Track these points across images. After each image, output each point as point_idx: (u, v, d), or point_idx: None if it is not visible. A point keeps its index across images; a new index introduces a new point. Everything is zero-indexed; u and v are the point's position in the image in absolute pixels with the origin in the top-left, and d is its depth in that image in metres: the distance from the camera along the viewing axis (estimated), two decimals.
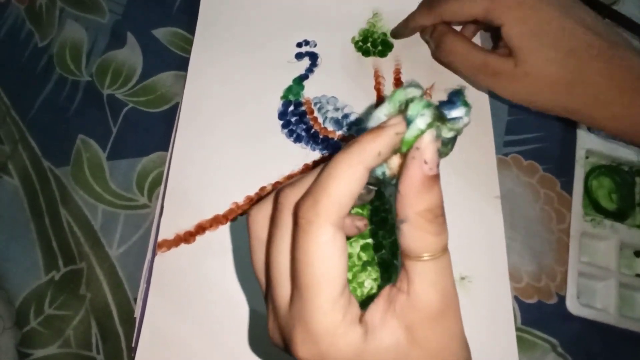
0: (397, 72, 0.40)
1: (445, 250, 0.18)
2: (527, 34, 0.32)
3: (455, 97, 0.19)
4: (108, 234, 0.35)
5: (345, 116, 0.39)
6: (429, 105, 0.18)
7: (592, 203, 0.38)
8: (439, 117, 0.18)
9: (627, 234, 0.37)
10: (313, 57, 0.40)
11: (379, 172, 0.20)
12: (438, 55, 0.38)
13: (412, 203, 0.18)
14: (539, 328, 0.35)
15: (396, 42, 0.41)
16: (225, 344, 0.32)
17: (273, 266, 0.20)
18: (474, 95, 0.40)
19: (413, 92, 0.19)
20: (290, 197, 0.19)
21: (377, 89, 0.40)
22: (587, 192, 0.38)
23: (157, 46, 0.41)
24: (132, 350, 0.32)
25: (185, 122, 0.37)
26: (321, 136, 0.38)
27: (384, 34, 0.42)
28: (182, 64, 0.40)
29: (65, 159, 0.37)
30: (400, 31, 0.40)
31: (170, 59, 0.41)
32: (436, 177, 0.18)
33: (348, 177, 0.18)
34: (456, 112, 0.19)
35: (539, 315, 0.35)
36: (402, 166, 0.18)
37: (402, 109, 0.19)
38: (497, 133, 0.39)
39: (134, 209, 0.36)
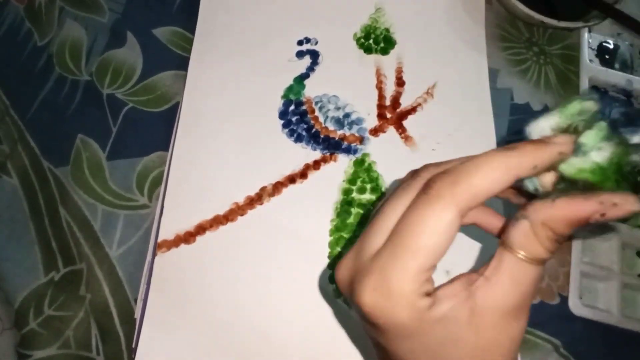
0: (399, 71, 0.40)
1: (542, 263, 0.18)
2: None
3: (637, 119, 0.17)
4: (108, 235, 0.35)
5: (347, 115, 0.38)
6: (608, 136, 0.16)
7: None
8: (621, 152, 0.17)
9: (629, 235, 0.37)
10: (314, 55, 0.40)
11: (531, 186, 0.19)
12: None
13: (553, 217, 0.17)
14: (541, 328, 0.34)
15: (398, 40, 0.41)
16: (226, 345, 0.32)
17: (381, 215, 0.20)
18: (474, 94, 0.40)
19: (590, 107, 0.17)
20: (430, 170, 0.20)
21: (379, 87, 0.40)
22: None
23: (157, 45, 0.41)
24: (132, 351, 0.31)
25: (186, 122, 0.37)
26: (322, 136, 0.38)
27: (387, 30, 0.41)
28: (182, 63, 0.40)
29: (65, 158, 0.37)
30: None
31: (171, 58, 0.41)
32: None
33: (495, 177, 0.18)
34: (638, 138, 0.17)
35: (542, 315, 0.35)
36: (556, 183, 0.18)
37: (574, 126, 0.17)
38: (499, 133, 0.39)
39: (134, 209, 0.36)
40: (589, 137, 0.17)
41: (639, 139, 0.17)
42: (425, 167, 0.21)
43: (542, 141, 0.18)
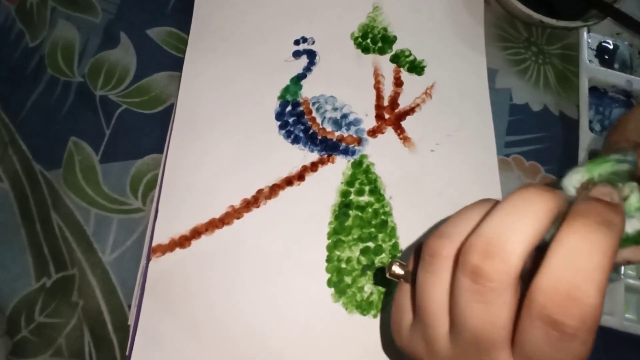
0: (397, 72, 0.40)
1: None
2: None
3: None
4: (101, 239, 0.34)
5: (344, 116, 0.38)
6: None
7: None
8: None
9: None
10: (311, 55, 0.40)
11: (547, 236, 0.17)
12: None
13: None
14: None
15: (396, 39, 0.41)
16: (222, 351, 0.31)
17: (432, 309, 0.20)
18: (473, 94, 0.39)
19: (623, 167, 0.16)
20: (448, 249, 0.19)
21: (377, 88, 0.39)
22: None
23: (151, 46, 0.40)
24: (126, 359, 0.31)
25: (180, 124, 0.36)
26: (319, 137, 0.37)
27: (385, 29, 0.41)
28: (176, 64, 0.39)
29: (57, 161, 0.36)
30: None
31: (165, 59, 0.40)
32: None
33: (610, 264, 0.15)
34: None
35: None
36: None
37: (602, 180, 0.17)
38: (499, 134, 0.39)
39: (127, 213, 0.35)
40: (627, 206, 0.16)
41: None
42: (433, 241, 0.19)
43: (618, 205, 0.16)
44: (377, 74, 0.40)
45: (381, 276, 0.34)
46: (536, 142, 0.39)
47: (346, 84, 0.39)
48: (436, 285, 0.19)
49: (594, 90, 0.42)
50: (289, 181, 0.35)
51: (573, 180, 0.17)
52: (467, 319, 0.18)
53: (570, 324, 0.15)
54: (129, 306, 0.33)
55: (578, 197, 0.17)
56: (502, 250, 0.16)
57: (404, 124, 0.38)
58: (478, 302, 0.17)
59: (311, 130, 0.37)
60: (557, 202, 0.16)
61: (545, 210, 0.16)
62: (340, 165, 0.36)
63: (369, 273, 0.34)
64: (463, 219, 0.19)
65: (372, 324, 0.32)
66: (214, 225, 0.34)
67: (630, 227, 0.16)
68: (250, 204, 0.35)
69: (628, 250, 0.16)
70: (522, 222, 0.16)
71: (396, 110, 0.39)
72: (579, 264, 0.15)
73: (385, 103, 0.39)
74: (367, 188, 0.36)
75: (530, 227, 0.16)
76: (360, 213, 0.35)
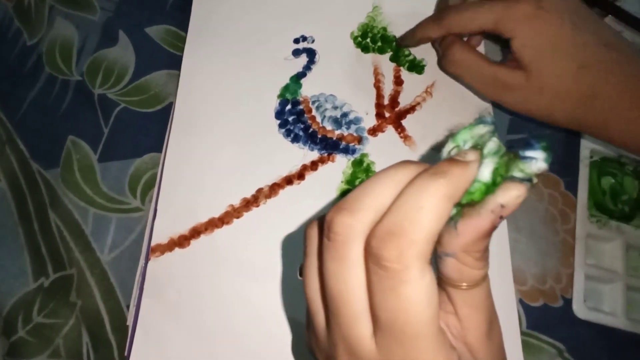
0: (397, 70, 0.39)
1: (486, 277, 0.19)
2: (540, 47, 0.31)
3: (535, 142, 0.16)
4: (99, 239, 0.34)
5: (344, 115, 0.38)
6: (496, 151, 0.16)
7: (597, 204, 0.37)
8: (504, 163, 0.16)
9: (633, 235, 0.36)
10: (311, 53, 0.39)
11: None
12: (445, 66, 0.36)
13: (466, 244, 0.17)
14: (545, 332, 0.34)
15: (395, 39, 0.40)
16: (221, 351, 0.31)
17: (340, 302, 0.18)
18: (473, 92, 0.39)
19: (483, 130, 0.17)
20: (356, 227, 0.17)
21: (377, 86, 0.39)
22: (592, 192, 0.37)
23: (149, 44, 0.40)
24: (124, 359, 0.30)
25: (179, 123, 0.36)
26: (319, 135, 0.37)
27: (384, 29, 0.41)
28: (175, 63, 0.39)
29: (55, 161, 0.36)
30: (407, 41, 0.39)
31: (164, 57, 0.40)
32: None
33: (442, 212, 0.16)
34: (531, 153, 0.16)
35: (545, 319, 0.34)
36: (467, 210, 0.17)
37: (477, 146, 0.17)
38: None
39: (126, 213, 0.35)
40: (488, 153, 0.17)
41: (531, 154, 0.16)
42: (335, 216, 0.18)
43: (463, 162, 0.17)
44: (377, 73, 0.39)
45: None
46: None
47: (346, 83, 0.39)
48: (309, 268, 0.19)
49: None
50: (288, 180, 0.35)
51: (444, 151, 0.18)
52: (331, 287, 0.18)
53: (386, 256, 0.16)
54: (128, 306, 0.32)
55: None
56: (351, 205, 0.17)
57: (404, 122, 0.38)
58: (333, 261, 0.17)
59: (311, 129, 0.37)
60: (409, 169, 0.17)
61: (398, 176, 0.17)
62: (341, 164, 0.36)
63: None
64: (360, 198, 0.18)
65: None
66: (213, 224, 0.34)
67: (483, 173, 0.17)
68: (250, 203, 0.34)
69: (498, 195, 0.16)
70: (374, 186, 0.17)
71: (396, 109, 0.38)
72: (406, 208, 0.16)
73: (386, 102, 0.38)
74: None
75: (379, 189, 0.17)
76: None
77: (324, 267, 0.18)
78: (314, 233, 0.20)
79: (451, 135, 0.18)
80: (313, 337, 0.21)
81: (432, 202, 0.16)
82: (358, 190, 0.18)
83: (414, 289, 0.16)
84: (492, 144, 0.17)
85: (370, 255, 0.17)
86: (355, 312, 0.18)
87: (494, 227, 0.17)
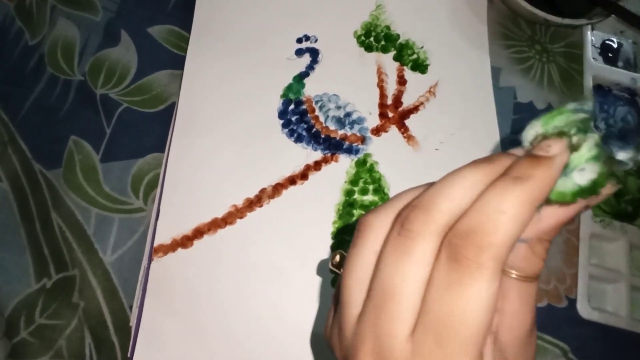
0: (401, 70, 0.39)
1: (539, 276, 0.18)
2: None
3: (630, 136, 0.16)
4: (102, 239, 0.34)
5: (347, 114, 0.38)
6: (597, 156, 0.15)
7: (600, 203, 0.37)
8: (604, 174, 0.15)
9: (637, 235, 0.36)
10: (314, 53, 0.39)
11: None
12: None
13: (546, 231, 0.17)
14: (549, 332, 0.34)
15: (399, 38, 0.40)
16: (225, 352, 0.31)
17: (390, 295, 0.17)
18: (477, 92, 0.39)
19: (579, 117, 0.16)
20: (429, 226, 0.17)
21: (380, 86, 0.39)
22: None
23: (152, 44, 0.40)
24: None
25: (182, 123, 0.36)
26: (323, 136, 0.37)
27: (388, 27, 0.41)
28: (178, 63, 0.39)
29: (57, 161, 0.36)
30: None
31: (166, 57, 0.40)
32: None
33: (524, 218, 0.15)
34: (624, 155, 0.15)
35: (549, 319, 0.34)
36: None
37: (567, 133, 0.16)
38: (503, 132, 0.39)
39: (128, 213, 0.35)
40: (577, 157, 0.16)
41: (624, 157, 0.15)
42: (408, 212, 0.18)
43: (547, 159, 0.16)
44: (380, 72, 0.39)
45: None
46: None
47: (349, 82, 0.38)
48: (360, 256, 0.18)
49: (598, 88, 0.41)
50: (292, 180, 0.35)
51: (528, 135, 0.17)
52: (384, 278, 0.17)
53: (464, 251, 0.16)
54: (131, 307, 0.32)
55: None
56: (427, 204, 0.17)
57: (407, 122, 0.38)
58: (398, 255, 0.17)
59: (314, 129, 0.37)
60: (485, 170, 0.17)
61: (475, 177, 0.17)
62: (344, 164, 0.36)
63: None
64: (397, 199, 0.19)
65: None
66: (216, 225, 0.33)
67: (582, 178, 0.16)
68: (253, 203, 0.34)
69: (584, 200, 0.16)
70: (450, 187, 0.17)
71: (400, 109, 0.38)
72: (488, 211, 0.16)
73: (389, 101, 0.38)
74: (371, 187, 0.35)
75: (456, 190, 0.17)
76: (364, 212, 0.35)
77: (381, 258, 0.18)
78: (371, 223, 0.19)
79: (539, 118, 0.16)
80: (337, 329, 0.20)
81: (514, 208, 0.15)
82: (433, 190, 0.17)
83: (480, 290, 0.16)
84: (590, 142, 0.15)
85: (447, 247, 0.16)
86: (401, 308, 0.17)
87: (575, 216, 0.17)
